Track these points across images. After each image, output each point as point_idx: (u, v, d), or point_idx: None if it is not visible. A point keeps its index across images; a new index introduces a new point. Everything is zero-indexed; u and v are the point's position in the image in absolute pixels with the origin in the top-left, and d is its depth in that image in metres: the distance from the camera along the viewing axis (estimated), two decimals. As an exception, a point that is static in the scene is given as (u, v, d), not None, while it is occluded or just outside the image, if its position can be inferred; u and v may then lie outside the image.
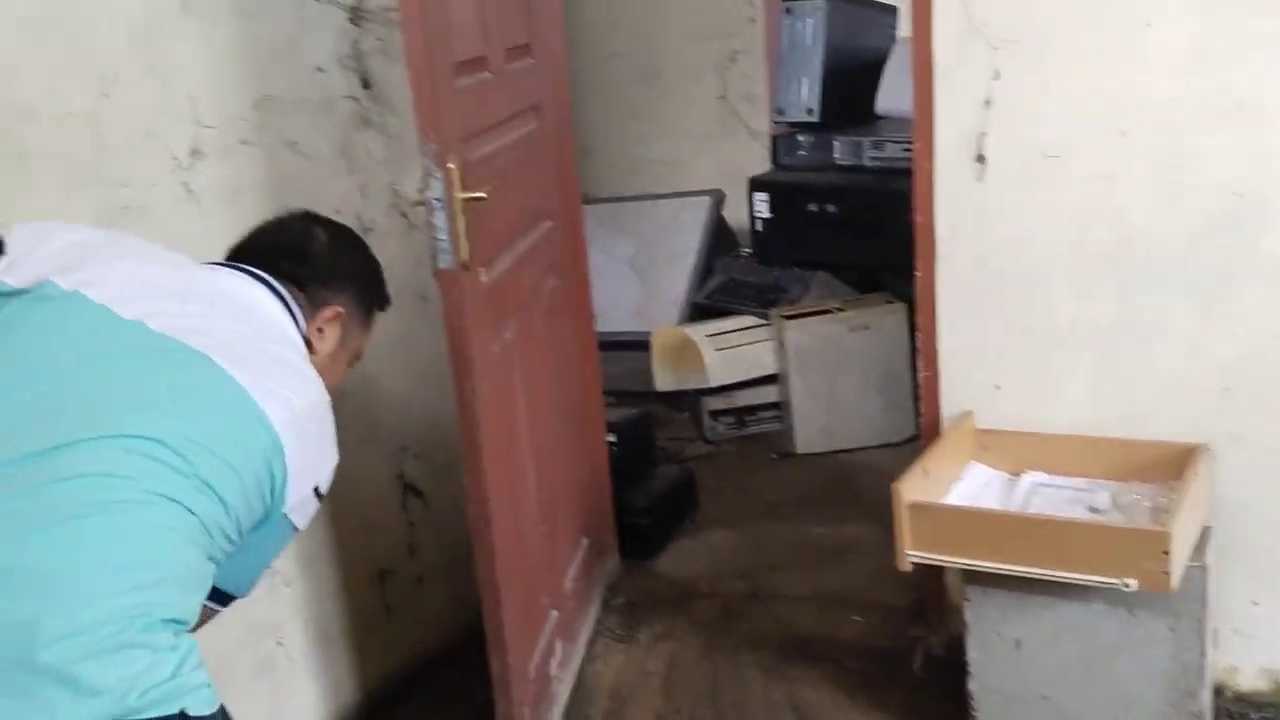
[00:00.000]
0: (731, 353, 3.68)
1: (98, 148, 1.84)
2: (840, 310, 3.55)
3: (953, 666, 2.17)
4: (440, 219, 1.78)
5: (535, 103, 2.43)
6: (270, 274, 1.43)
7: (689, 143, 4.68)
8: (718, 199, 4.43)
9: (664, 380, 3.79)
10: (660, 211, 4.50)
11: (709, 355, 3.66)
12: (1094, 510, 2.04)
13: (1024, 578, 1.90)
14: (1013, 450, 2.20)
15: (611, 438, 2.91)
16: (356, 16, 2.34)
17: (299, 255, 1.49)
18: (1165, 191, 2.04)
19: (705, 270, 4.27)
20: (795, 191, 3.83)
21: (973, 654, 2.05)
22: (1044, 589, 1.92)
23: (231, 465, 1.22)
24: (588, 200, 3.03)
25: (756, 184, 3.91)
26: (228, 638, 2.01)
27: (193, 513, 1.18)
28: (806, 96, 3.85)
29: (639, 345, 3.88)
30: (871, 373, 3.46)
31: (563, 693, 2.35)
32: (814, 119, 3.86)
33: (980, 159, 2.14)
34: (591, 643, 2.59)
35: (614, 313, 3.96)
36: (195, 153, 1.98)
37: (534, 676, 2.15)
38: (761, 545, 3.01)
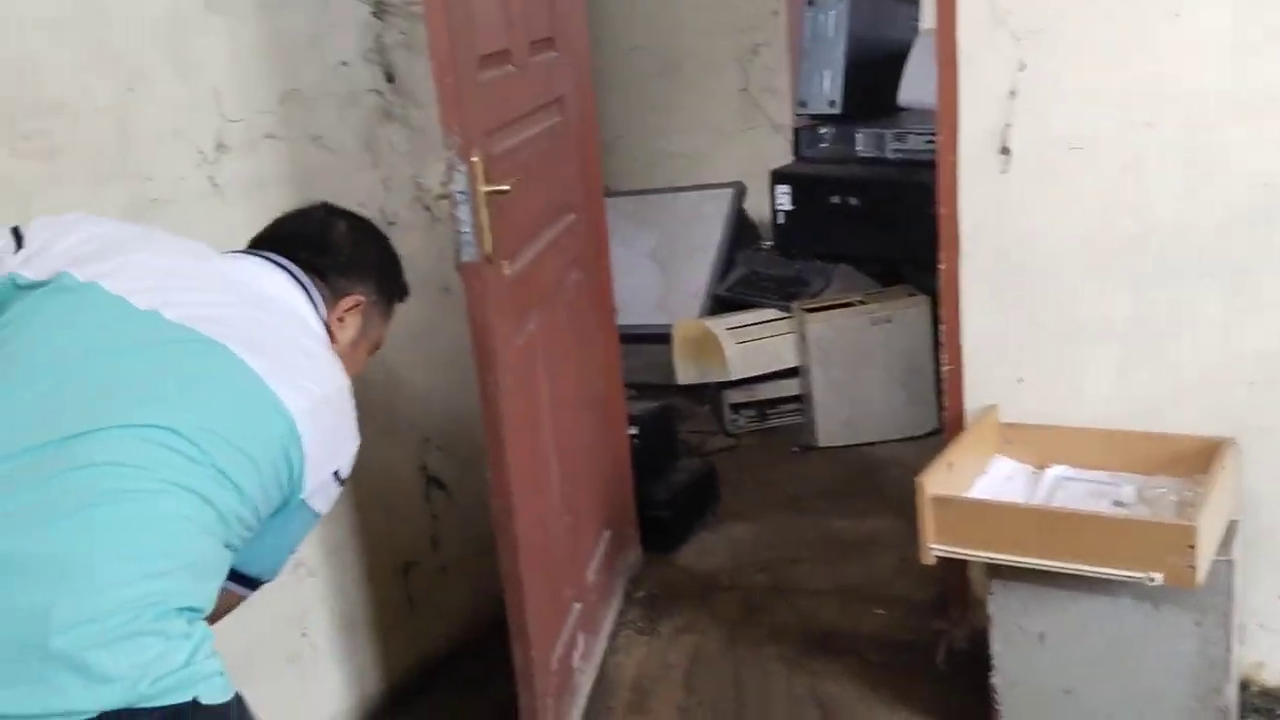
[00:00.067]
0: (753, 346, 3.68)
1: (124, 142, 1.86)
2: (862, 303, 3.53)
3: (976, 660, 2.16)
4: (464, 212, 1.79)
5: (558, 96, 2.43)
6: (291, 263, 1.44)
7: (710, 135, 4.67)
8: (739, 192, 4.42)
9: (685, 373, 3.79)
10: (681, 204, 4.49)
11: (730, 348, 3.66)
12: (1119, 504, 2.03)
13: (1048, 571, 1.89)
14: (1037, 444, 2.19)
15: (633, 430, 2.91)
16: (380, 10, 2.35)
17: (320, 245, 1.49)
18: (1192, 183, 2.02)
19: (726, 263, 4.27)
20: (817, 184, 3.82)
21: (996, 648, 2.04)
22: (1068, 583, 1.91)
23: (247, 453, 1.23)
24: (609, 193, 3.03)
25: (778, 176, 3.90)
26: (254, 627, 2.02)
27: (208, 501, 1.19)
28: (829, 89, 3.84)
29: (660, 338, 3.88)
30: (893, 366, 3.45)
31: (585, 685, 2.36)
32: (836, 111, 3.84)
33: (1004, 151, 2.13)
34: (613, 635, 2.59)
35: (635, 306, 3.96)
36: (221, 147, 1.99)
37: (556, 668, 2.16)
38: (783, 538, 3.00)
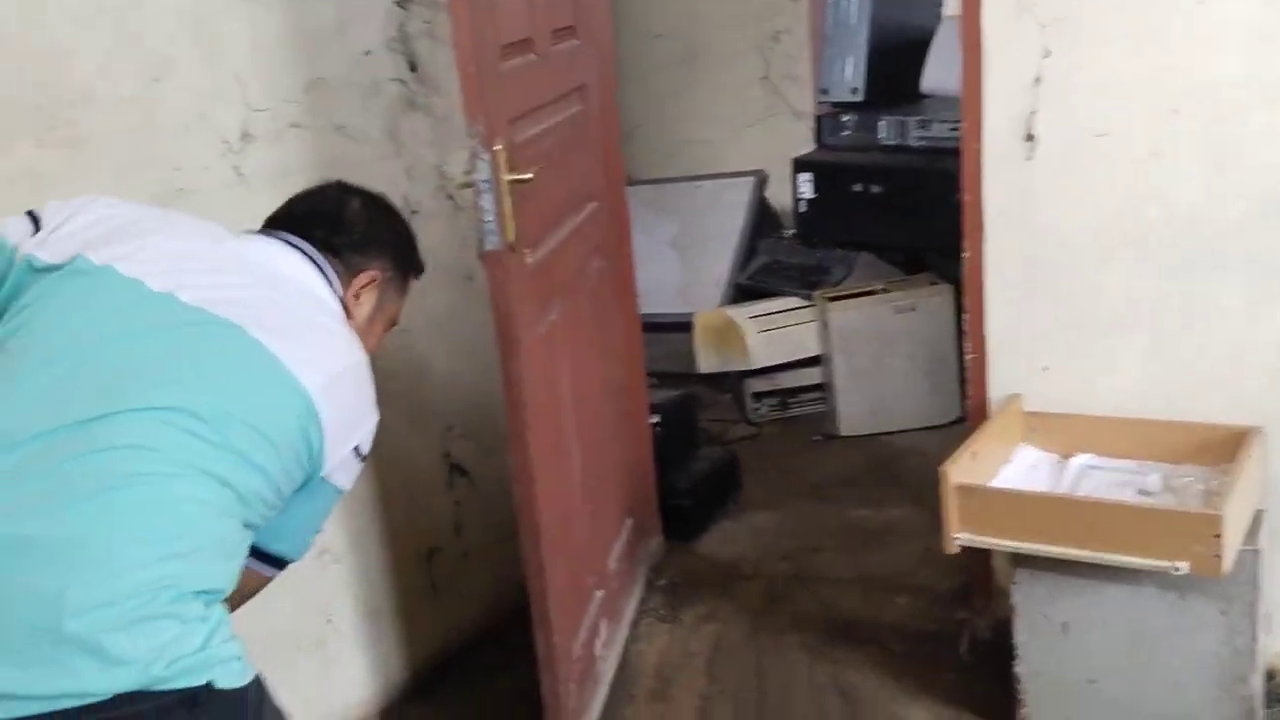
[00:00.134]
0: (774, 334, 3.67)
1: (150, 131, 1.87)
2: (885, 291, 3.52)
3: (999, 650, 2.16)
4: (487, 201, 1.79)
5: (580, 84, 2.43)
6: (306, 242, 1.45)
7: (731, 124, 4.65)
8: (760, 180, 4.41)
9: (707, 362, 3.79)
10: (703, 193, 4.48)
11: (752, 337, 3.65)
12: (1144, 493, 2.01)
13: (1072, 561, 1.88)
14: (1062, 433, 2.18)
15: (654, 419, 2.91)
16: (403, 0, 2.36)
17: (334, 223, 1.50)
18: (1218, 170, 2.01)
19: (748, 251, 4.26)
20: (839, 171, 3.80)
21: (1020, 637, 2.04)
22: (1092, 572, 1.90)
23: (265, 433, 1.23)
24: (630, 182, 3.03)
25: (800, 164, 3.88)
26: (279, 614, 2.04)
27: (226, 483, 1.20)
28: (851, 76, 3.82)
29: (681, 327, 3.87)
30: (916, 354, 3.44)
31: (607, 672, 2.36)
32: (859, 98, 3.82)
33: (1029, 138, 2.11)
34: (635, 623, 2.60)
35: (656, 294, 3.96)
36: (246, 136, 2.00)
37: (579, 655, 2.17)
38: (805, 527, 3.00)
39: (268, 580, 1.39)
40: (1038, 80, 2.08)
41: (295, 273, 1.41)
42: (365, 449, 1.40)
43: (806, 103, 4.40)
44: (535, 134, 2.02)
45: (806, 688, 2.33)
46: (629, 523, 2.68)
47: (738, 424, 3.70)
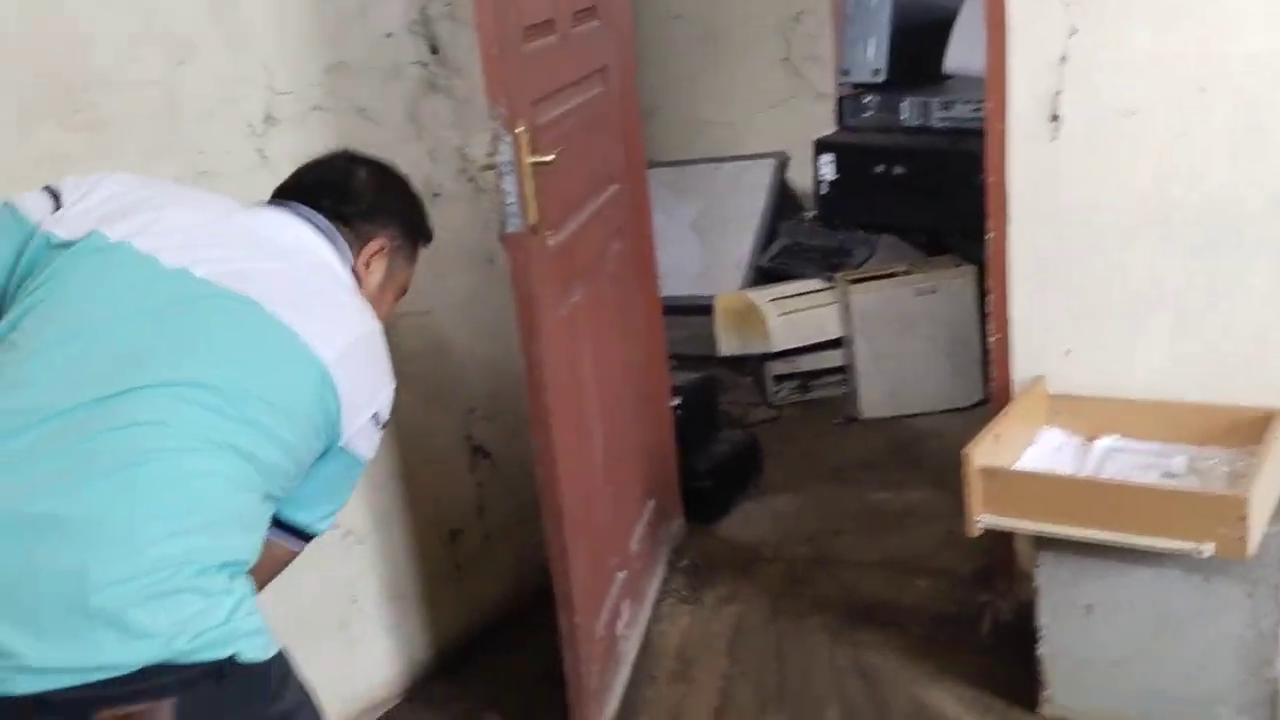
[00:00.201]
0: (795, 317, 3.66)
1: (175, 115, 1.88)
2: (907, 273, 3.51)
3: (1021, 632, 2.16)
4: (509, 183, 1.79)
5: (601, 66, 2.43)
6: (316, 212, 1.45)
7: (752, 105, 4.63)
8: (781, 162, 4.39)
9: (727, 345, 3.79)
10: (723, 175, 4.47)
11: (772, 320, 3.64)
12: (1169, 475, 2.00)
13: (1096, 543, 1.88)
14: (1086, 415, 2.17)
15: (675, 401, 2.92)
16: (424, -18, 2.35)
17: (342, 192, 1.50)
18: (1246, 150, 1.99)
19: (769, 234, 4.24)
20: (861, 153, 3.78)
21: (1043, 619, 2.03)
22: (1116, 554, 1.90)
23: (282, 405, 1.24)
24: (650, 164, 3.02)
25: (822, 145, 3.86)
26: (305, 594, 2.06)
27: (245, 456, 1.21)
28: (873, 56, 3.79)
29: (702, 310, 3.87)
30: (938, 337, 3.43)
31: (630, 652, 2.38)
32: (880, 79, 3.79)
33: (1054, 118, 2.10)
34: (657, 604, 2.61)
35: (677, 277, 3.96)
36: (269, 119, 2.01)
37: (601, 636, 2.18)
38: (826, 510, 3.00)
39: (293, 555, 1.40)
40: (1063, 59, 2.06)
41: (306, 244, 1.42)
42: (384, 417, 1.41)
43: (828, 84, 4.37)
44: (556, 116, 2.02)
45: (827, 669, 2.33)
46: (650, 505, 2.68)
47: (758, 407, 3.70)
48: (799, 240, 4.08)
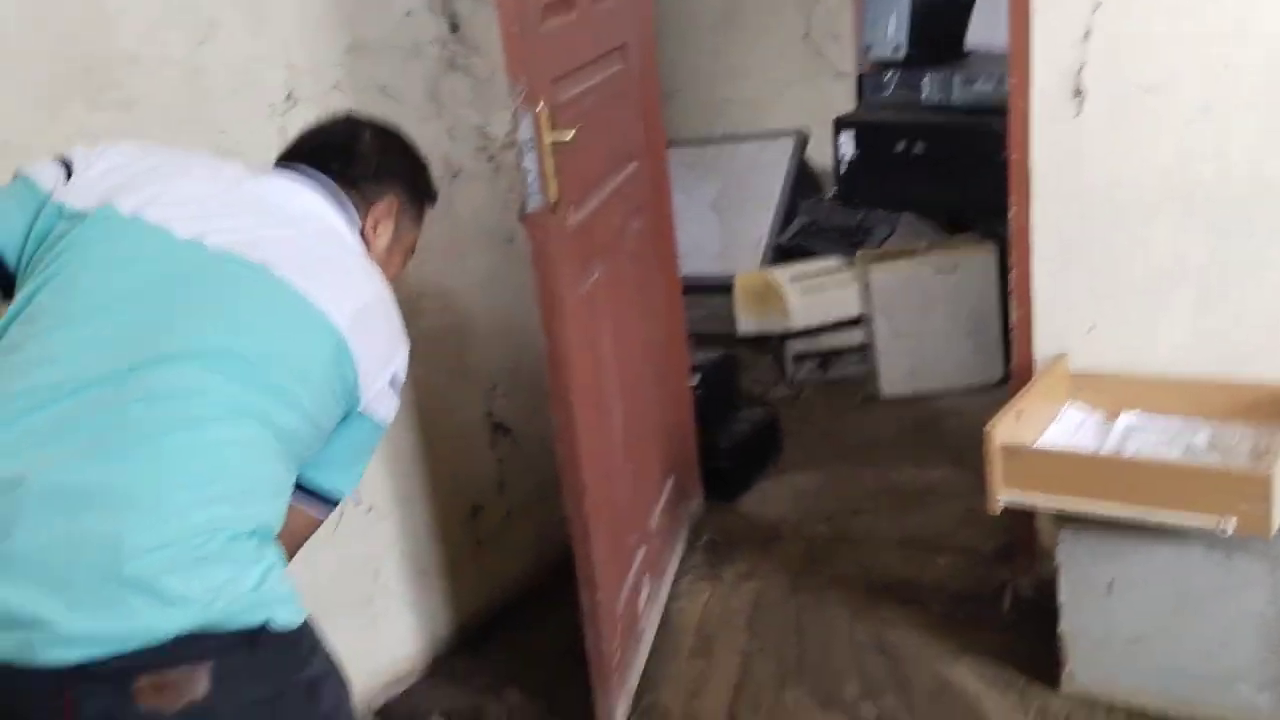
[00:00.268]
0: (815, 295, 3.66)
1: (197, 94, 1.89)
2: (927, 251, 3.49)
3: (1042, 609, 2.16)
4: (530, 161, 1.79)
5: (620, 43, 2.42)
6: (321, 174, 1.46)
7: (771, 83, 4.61)
8: (801, 140, 4.37)
9: (746, 323, 3.78)
10: (742, 153, 4.46)
11: (792, 298, 3.64)
12: (1191, 452, 2.00)
13: (1117, 520, 1.87)
14: (1108, 392, 2.16)
15: (695, 380, 2.92)
16: (443, -40, 2.35)
17: (348, 155, 1.50)
18: (1271, 126, 1.97)
19: (788, 212, 4.23)
20: (882, 131, 3.76)
21: (1064, 597, 2.03)
22: (1137, 531, 1.90)
23: (301, 372, 1.26)
24: (670, 143, 3.01)
25: (842, 123, 3.85)
26: (327, 570, 2.08)
27: (267, 423, 1.22)
28: (894, 33, 3.77)
29: (721, 288, 3.87)
30: (959, 315, 3.42)
31: (650, 628, 2.39)
32: (901, 56, 3.77)
33: (1078, 93, 2.08)
34: (677, 581, 2.62)
35: (696, 255, 3.95)
36: (290, 98, 2.01)
37: (622, 612, 2.19)
38: (845, 489, 3.00)
39: (317, 523, 1.41)
40: (1087, 34, 2.04)
41: (314, 209, 1.43)
42: (401, 379, 1.42)
43: (848, 61, 4.35)
44: (576, 94, 2.02)
45: (848, 646, 2.34)
46: (670, 482, 2.69)
47: (778, 385, 3.70)
48: (818, 219, 4.07)
